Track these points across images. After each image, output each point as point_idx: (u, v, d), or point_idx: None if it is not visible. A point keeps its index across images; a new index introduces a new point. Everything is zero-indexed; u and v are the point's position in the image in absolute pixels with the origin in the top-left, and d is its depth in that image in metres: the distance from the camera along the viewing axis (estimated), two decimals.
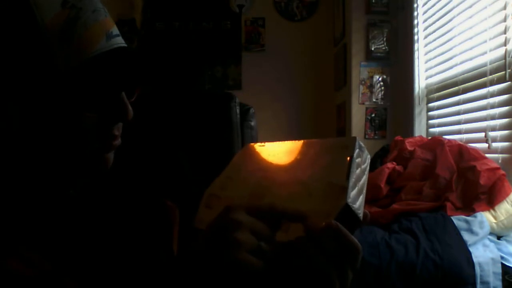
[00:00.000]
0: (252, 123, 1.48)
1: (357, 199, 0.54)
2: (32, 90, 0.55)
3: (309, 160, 0.61)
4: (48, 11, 0.53)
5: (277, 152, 0.66)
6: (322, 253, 0.47)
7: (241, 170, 0.66)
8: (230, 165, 0.68)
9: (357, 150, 0.58)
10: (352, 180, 0.55)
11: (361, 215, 0.53)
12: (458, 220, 1.60)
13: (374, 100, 3.00)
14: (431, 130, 2.55)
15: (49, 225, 0.62)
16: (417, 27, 2.66)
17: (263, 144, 0.68)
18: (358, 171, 0.57)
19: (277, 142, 0.68)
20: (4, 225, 0.58)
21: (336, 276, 0.47)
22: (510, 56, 1.72)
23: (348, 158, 0.57)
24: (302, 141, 0.65)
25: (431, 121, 2.56)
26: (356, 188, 0.55)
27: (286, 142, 0.67)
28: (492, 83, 1.84)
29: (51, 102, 0.56)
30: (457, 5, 2.16)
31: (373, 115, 3.00)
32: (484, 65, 1.89)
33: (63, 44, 0.54)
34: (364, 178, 0.59)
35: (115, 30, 0.59)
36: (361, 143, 0.60)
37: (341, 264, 0.48)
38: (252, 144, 0.70)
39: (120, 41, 0.60)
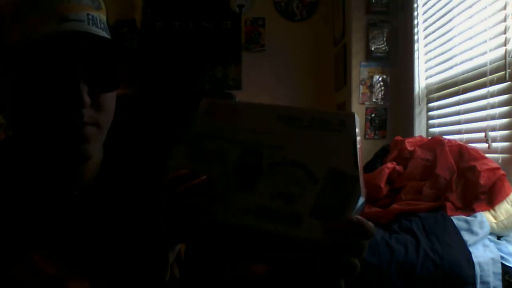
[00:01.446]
0: None
1: (363, 186, 0.50)
2: None
3: (301, 135, 0.51)
4: None
5: (257, 118, 0.53)
6: (346, 249, 0.47)
7: (213, 137, 0.53)
8: (195, 128, 0.55)
9: (357, 130, 0.51)
10: (359, 166, 0.50)
11: (364, 198, 0.50)
12: (458, 220, 1.60)
13: (374, 100, 3.00)
14: (431, 130, 2.54)
15: (55, 225, 0.63)
16: (417, 27, 2.66)
17: (234, 103, 0.56)
18: (358, 151, 0.51)
19: (253, 104, 0.56)
20: (10, 228, 0.60)
21: (357, 262, 0.48)
22: (510, 56, 1.72)
23: (352, 140, 0.50)
24: (285, 106, 0.54)
25: (431, 121, 2.56)
26: (361, 173, 0.50)
27: (264, 105, 0.54)
28: (492, 83, 1.83)
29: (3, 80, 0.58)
30: (457, 5, 2.16)
31: (373, 115, 3.00)
32: (484, 65, 1.89)
33: (14, 23, 0.57)
34: (360, 155, 0.52)
35: (77, 16, 0.59)
36: (357, 117, 0.52)
37: (361, 251, 0.49)
38: (217, 101, 0.56)
39: (77, 27, 0.58)
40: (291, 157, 0.50)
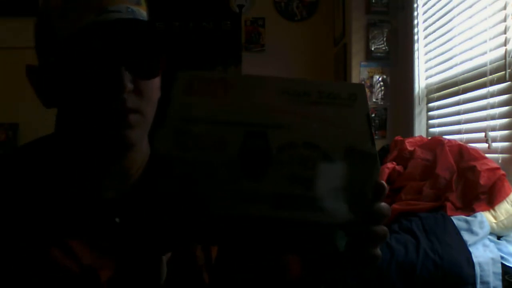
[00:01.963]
0: None
1: None
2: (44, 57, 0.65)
3: (309, 112, 0.45)
4: None
5: (254, 93, 0.45)
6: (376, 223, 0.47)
7: (203, 120, 0.44)
8: (176, 110, 0.44)
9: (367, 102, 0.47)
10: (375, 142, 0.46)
11: None
12: (458, 220, 1.60)
13: (374, 100, 3.00)
14: (431, 130, 2.54)
15: (94, 215, 0.66)
16: (417, 27, 2.66)
17: (221, 76, 0.46)
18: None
19: (247, 76, 0.49)
20: (52, 215, 0.63)
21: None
22: (510, 56, 1.72)
23: (366, 115, 0.45)
24: (286, 79, 0.46)
25: (431, 121, 2.56)
26: None
27: (260, 77, 0.46)
28: (492, 83, 1.83)
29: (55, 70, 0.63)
30: (457, 5, 2.16)
31: (373, 115, 3.00)
32: (484, 65, 1.89)
33: (60, 21, 0.61)
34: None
35: (115, 8, 0.62)
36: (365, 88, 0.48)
37: (388, 215, 0.48)
38: (198, 74, 0.45)
39: (116, 17, 0.61)
40: (302, 138, 0.45)
